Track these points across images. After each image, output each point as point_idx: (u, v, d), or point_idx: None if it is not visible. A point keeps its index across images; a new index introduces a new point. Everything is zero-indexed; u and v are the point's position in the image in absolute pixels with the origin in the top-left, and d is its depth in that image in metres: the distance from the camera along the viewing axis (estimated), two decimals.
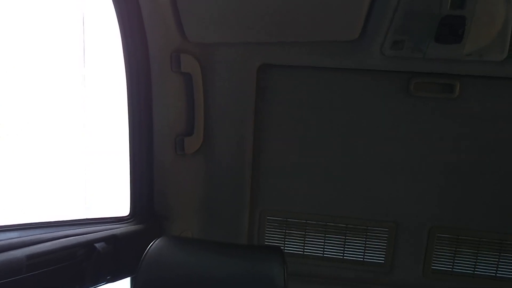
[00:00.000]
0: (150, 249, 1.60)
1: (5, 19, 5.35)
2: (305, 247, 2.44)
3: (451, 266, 2.36)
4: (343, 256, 2.43)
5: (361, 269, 2.43)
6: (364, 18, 1.96)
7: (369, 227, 2.37)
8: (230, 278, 1.50)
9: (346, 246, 2.41)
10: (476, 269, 2.35)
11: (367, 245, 2.40)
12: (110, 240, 2.09)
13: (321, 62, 2.15)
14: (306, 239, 2.43)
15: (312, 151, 2.30)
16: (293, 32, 2.02)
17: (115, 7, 2.00)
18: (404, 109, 2.19)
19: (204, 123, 2.26)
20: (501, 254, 2.31)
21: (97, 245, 2.02)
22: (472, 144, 2.20)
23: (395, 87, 2.17)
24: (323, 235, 2.41)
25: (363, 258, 2.41)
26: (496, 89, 2.12)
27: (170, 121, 2.18)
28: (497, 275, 2.33)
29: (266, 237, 2.47)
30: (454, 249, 2.34)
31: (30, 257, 1.76)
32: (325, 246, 2.43)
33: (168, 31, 2.03)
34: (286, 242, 2.46)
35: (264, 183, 2.38)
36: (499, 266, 2.32)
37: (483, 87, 2.12)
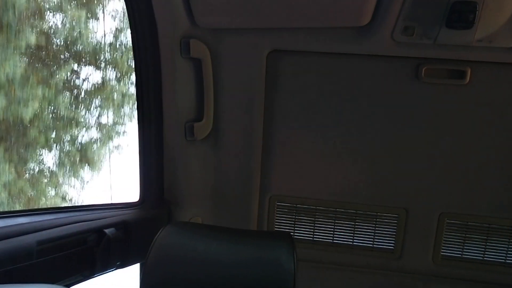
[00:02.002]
0: (160, 235, 1.60)
1: None
2: (315, 233, 2.45)
3: (460, 252, 2.36)
4: (352, 242, 2.43)
5: (371, 255, 2.43)
6: (375, 3, 1.95)
7: (378, 214, 2.37)
8: (240, 264, 1.50)
9: (355, 232, 2.41)
10: (485, 255, 2.34)
11: (376, 232, 2.39)
12: (120, 226, 2.10)
13: (331, 48, 2.14)
14: (315, 225, 2.43)
15: (321, 137, 2.30)
16: (303, 18, 2.01)
17: None
18: (414, 95, 2.18)
19: (214, 109, 2.25)
20: (511, 240, 2.31)
21: (107, 231, 2.02)
22: (483, 130, 2.18)
23: (405, 73, 2.16)
24: (333, 221, 2.41)
25: (373, 244, 2.41)
26: (506, 75, 2.10)
27: (180, 107, 2.18)
28: (507, 261, 2.33)
29: (276, 223, 2.47)
30: (463, 235, 2.34)
31: (41, 242, 1.77)
32: (335, 232, 2.43)
33: (177, 16, 2.02)
34: (295, 228, 2.46)
35: (274, 169, 2.38)
36: (508, 252, 2.32)
37: (493, 73, 2.11)
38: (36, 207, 2.02)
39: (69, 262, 1.90)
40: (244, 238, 1.67)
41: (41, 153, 4.83)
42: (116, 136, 5.18)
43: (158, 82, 2.14)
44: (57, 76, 4.64)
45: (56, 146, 4.85)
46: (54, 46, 4.61)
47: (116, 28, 4.85)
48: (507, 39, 1.94)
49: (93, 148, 5.07)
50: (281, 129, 2.32)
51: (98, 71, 4.87)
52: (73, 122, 4.79)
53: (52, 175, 4.98)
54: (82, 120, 4.92)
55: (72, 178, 5.04)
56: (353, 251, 2.44)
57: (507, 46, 1.97)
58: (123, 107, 5.06)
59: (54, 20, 4.61)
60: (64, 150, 4.93)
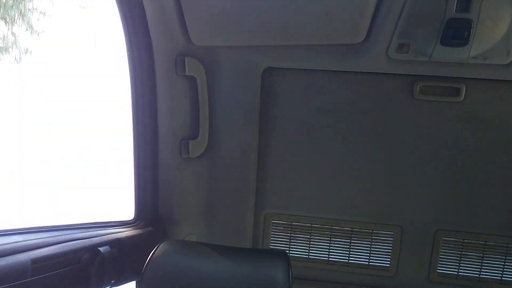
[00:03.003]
0: (155, 253, 1.60)
1: None
2: (310, 251, 2.44)
3: (456, 270, 2.35)
4: (348, 259, 2.42)
5: (366, 273, 2.42)
6: (369, 21, 1.96)
7: (374, 231, 2.36)
8: (235, 282, 1.50)
9: (351, 249, 2.41)
10: (481, 273, 2.34)
11: (372, 249, 2.39)
12: (115, 244, 2.09)
13: (326, 65, 2.15)
14: (311, 242, 2.43)
15: (317, 154, 2.30)
16: (298, 35, 2.02)
17: (119, 11, 2.00)
18: (409, 112, 2.19)
19: (209, 126, 2.25)
20: (507, 257, 2.30)
21: (101, 249, 2.01)
22: (478, 147, 2.19)
23: (400, 90, 2.17)
24: (328, 238, 2.41)
25: (369, 262, 2.41)
26: (501, 92, 2.11)
27: (175, 125, 2.18)
28: (503, 278, 2.32)
29: (271, 241, 2.46)
30: (459, 252, 2.33)
31: (35, 261, 1.76)
32: (330, 250, 2.42)
33: (172, 34, 2.03)
34: (291, 246, 2.45)
35: (269, 187, 2.38)
36: (505, 269, 2.31)
37: (488, 90, 2.12)
38: (30, 226, 2.00)
39: (63, 280, 1.89)
40: (240, 256, 1.67)
41: None
42: None
43: (153, 100, 2.14)
44: None
45: None
46: None
47: None
48: (502, 56, 1.95)
49: None
50: (277, 146, 2.32)
51: None
52: None
53: None
54: None
55: None
56: (348, 269, 2.43)
57: (502, 63, 1.98)
58: None
59: None
60: None
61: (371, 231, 2.37)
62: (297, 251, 2.45)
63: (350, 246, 2.41)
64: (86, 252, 1.98)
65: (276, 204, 2.41)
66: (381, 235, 2.37)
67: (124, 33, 2.05)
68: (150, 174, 2.26)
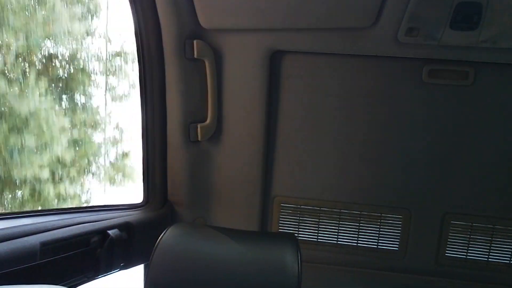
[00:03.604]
0: (164, 236, 1.60)
1: None
2: (319, 234, 2.44)
3: (465, 253, 2.35)
4: (357, 243, 2.42)
5: (375, 256, 2.42)
6: (379, 4, 1.94)
7: (383, 214, 2.36)
8: (244, 265, 1.50)
9: (360, 233, 2.41)
10: (490, 256, 2.33)
11: (381, 232, 2.39)
12: (124, 227, 2.09)
13: (335, 48, 2.14)
14: (320, 226, 2.43)
15: (325, 138, 2.29)
16: (307, 18, 2.00)
17: None
18: (418, 96, 2.18)
19: (217, 110, 2.25)
20: None
21: (110, 232, 2.02)
22: (487, 130, 2.18)
23: (409, 73, 2.16)
24: (337, 222, 2.41)
25: (377, 245, 2.41)
26: (510, 75, 2.10)
27: (184, 108, 2.18)
28: None
29: (280, 224, 2.46)
30: (468, 236, 2.33)
31: (44, 243, 1.76)
32: (339, 233, 2.43)
33: (181, 17, 2.02)
34: (300, 229, 2.45)
35: (277, 170, 2.38)
36: None
37: (497, 74, 2.11)
38: (39, 209, 2.01)
39: (72, 263, 1.90)
40: (248, 239, 1.67)
41: None
42: None
43: (162, 83, 2.14)
44: None
45: None
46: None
47: None
48: (511, 40, 1.94)
49: None
50: (285, 129, 2.31)
51: None
52: None
53: None
54: None
55: None
56: (357, 252, 2.43)
57: (511, 47, 1.96)
58: None
59: None
60: None
61: (379, 214, 2.37)
62: (305, 234, 2.46)
63: (358, 229, 2.41)
64: (95, 235, 1.99)
65: (284, 188, 2.41)
66: (389, 218, 2.37)
67: (133, 16, 2.04)
68: (159, 157, 2.26)
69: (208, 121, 2.24)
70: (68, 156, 3.38)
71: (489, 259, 2.34)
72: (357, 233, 2.41)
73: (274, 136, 2.33)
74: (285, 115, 2.29)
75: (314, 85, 2.24)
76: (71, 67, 3.39)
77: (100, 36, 3.49)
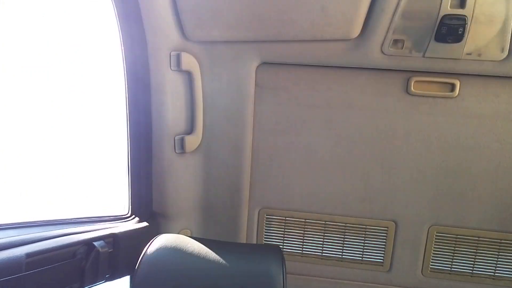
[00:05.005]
0: (149, 248, 1.60)
1: None
2: (304, 246, 2.45)
3: (450, 265, 2.36)
4: (342, 255, 2.43)
5: (360, 268, 2.43)
6: (364, 17, 1.96)
7: (368, 226, 2.37)
8: (229, 277, 1.50)
9: (345, 245, 2.41)
10: (474, 268, 2.35)
11: (366, 244, 2.40)
12: (109, 238, 2.09)
13: (321, 60, 2.15)
14: (305, 238, 2.43)
15: (311, 150, 2.30)
16: (293, 31, 2.02)
17: (114, 6, 2.00)
18: (403, 108, 2.19)
19: (203, 121, 2.25)
20: (500, 253, 2.32)
21: (96, 243, 2.01)
22: (471, 143, 2.20)
23: (394, 85, 2.17)
24: (322, 234, 2.42)
25: (362, 257, 2.41)
26: (495, 88, 2.12)
27: (169, 120, 2.18)
28: (496, 274, 2.33)
29: (265, 236, 2.47)
30: (453, 248, 2.34)
31: (30, 255, 1.76)
32: (324, 245, 2.43)
33: (167, 29, 2.03)
34: (285, 241, 2.46)
35: (263, 182, 2.38)
36: (498, 265, 2.32)
37: (482, 87, 2.13)
38: (25, 220, 2.01)
39: (58, 275, 1.89)
40: (233, 251, 1.67)
41: None
42: None
43: (147, 95, 2.14)
44: None
45: None
46: None
47: None
48: (496, 53, 1.97)
49: None
50: (271, 142, 2.32)
51: None
52: None
53: None
54: None
55: None
56: (342, 264, 2.44)
57: (496, 60, 1.99)
58: None
59: None
60: None
61: (364, 226, 2.38)
62: (291, 246, 2.46)
63: (343, 241, 2.41)
64: (81, 247, 1.98)
65: (270, 199, 2.41)
66: (374, 230, 2.37)
67: (118, 28, 2.05)
68: (144, 169, 2.26)
69: (193, 132, 2.24)
70: None
71: (474, 271, 2.35)
72: (342, 245, 2.42)
73: (260, 147, 2.33)
74: (271, 127, 2.30)
75: (299, 97, 2.25)
76: None
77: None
